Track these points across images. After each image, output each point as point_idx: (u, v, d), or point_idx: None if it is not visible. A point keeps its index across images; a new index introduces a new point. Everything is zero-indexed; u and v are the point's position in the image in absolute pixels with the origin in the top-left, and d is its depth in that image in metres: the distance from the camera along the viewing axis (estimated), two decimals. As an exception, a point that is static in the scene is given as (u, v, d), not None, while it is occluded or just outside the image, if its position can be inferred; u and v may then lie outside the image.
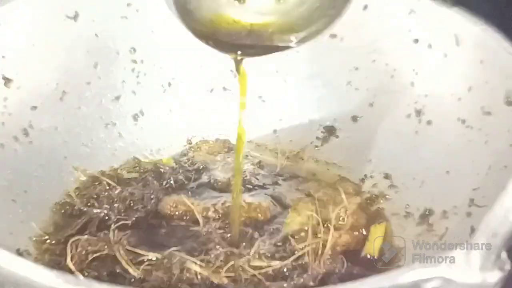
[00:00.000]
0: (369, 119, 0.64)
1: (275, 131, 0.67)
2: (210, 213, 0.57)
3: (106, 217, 0.56)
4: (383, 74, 0.62)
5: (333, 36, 0.63)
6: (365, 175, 0.63)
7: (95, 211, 0.57)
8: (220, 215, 0.57)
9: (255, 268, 0.51)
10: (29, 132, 0.58)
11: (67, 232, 0.55)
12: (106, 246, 0.51)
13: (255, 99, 0.66)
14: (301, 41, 0.52)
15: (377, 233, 0.56)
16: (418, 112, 0.61)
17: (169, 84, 0.67)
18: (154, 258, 0.50)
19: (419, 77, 0.61)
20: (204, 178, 0.62)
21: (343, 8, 0.51)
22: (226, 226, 0.56)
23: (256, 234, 0.55)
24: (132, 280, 0.49)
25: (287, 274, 0.51)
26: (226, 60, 0.65)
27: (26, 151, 0.58)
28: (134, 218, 0.56)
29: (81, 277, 0.48)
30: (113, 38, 0.64)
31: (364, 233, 0.56)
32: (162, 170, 0.62)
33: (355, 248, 0.55)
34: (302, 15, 0.52)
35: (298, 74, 0.66)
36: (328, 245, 0.53)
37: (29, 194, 0.56)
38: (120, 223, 0.55)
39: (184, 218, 0.57)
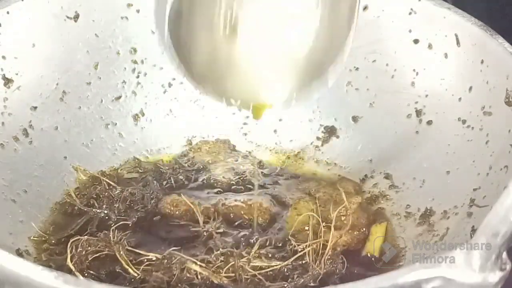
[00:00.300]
0: (369, 119, 0.64)
1: (275, 131, 0.67)
2: (211, 213, 0.57)
3: (106, 217, 0.56)
4: (384, 74, 0.62)
5: (333, 36, 0.63)
6: (366, 175, 0.63)
7: (95, 211, 0.57)
8: (220, 215, 0.57)
9: (255, 268, 0.51)
10: (29, 132, 0.58)
11: (67, 232, 0.55)
12: (106, 246, 0.51)
13: (255, 99, 0.66)
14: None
15: (377, 233, 0.56)
16: (419, 112, 0.61)
17: (170, 85, 0.67)
18: (154, 258, 0.50)
19: (419, 77, 0.61)
20: (204, 178, 0.62)
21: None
22: (226, 226, 0.56)
23: (256, 234, 0.55)
24: (132, 280, 0.49)
25: (287, 274, 0.51)
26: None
27: (26, 151, 0.58)
28: (134, 218, 0.56)
29: (81, 277, 0.48)
30: (113, 38, 0.64)
31: (365, 232, 0.56)
32: (162, 170, 0.62)
33: (356, 247, 0.55)
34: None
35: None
36: (329, 245, 0.53)
37: (29, 194, 0.56)
38: (120, 223, 0.55)
39: (184, 218, 0.57)
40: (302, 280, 0.50)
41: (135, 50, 0.65)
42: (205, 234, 0.55)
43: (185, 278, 0.49)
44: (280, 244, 0.54)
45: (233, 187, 0.61)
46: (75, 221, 0.56)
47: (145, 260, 0.51)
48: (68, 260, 0.50)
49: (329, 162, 0.65)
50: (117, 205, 0.57)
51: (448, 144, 0.57)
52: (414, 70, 0.61)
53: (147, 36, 0.65)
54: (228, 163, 0.64)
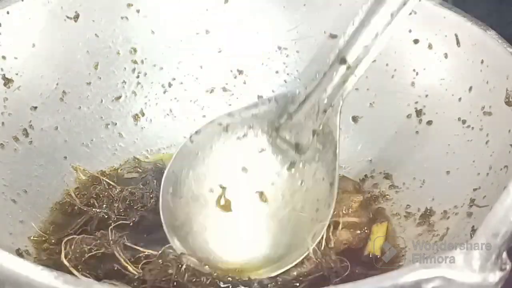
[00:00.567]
0: (369, 119, 0.64)
1: (275, 131, 0.67)
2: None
3: (106, 217, 0.56)
4: (384, 74, 0.62)
5: (334, 36, 0.63)
6: (366, 175, 0.63)
7: (95, 210, 0.57)
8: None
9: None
10: (29, 132, 0.58)
11: (67, 232, 0.55)
12: (102, 245, 0.51)
13: (255, 99, 0.66)
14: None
15: (378, 232, 0.56)
16: (419, 112, 0.60)
17: (170, 85, 0.67)
18: (151, 255, 0.50)
19: (419, 77, 0.61)
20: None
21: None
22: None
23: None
24: (130, 278, 0.49)
25: (287, 273, 0.51)
26: (226, 60, 0.65)
27: (26, 151, 0.58)
28: (134, 218, 0.56)
29: (76, 274, 0.48)
30: (113, 38, 0.64)
31: (366, 231, 0.56)
32: (162, 170, 0.62)
33: (357, 246, 0.55)
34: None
35: (299, 74, 0.66)
36: (330, 243, 0.53)
37: (29, 194, 0.56)
38: (119, 222, 0.55)
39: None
40: (302, 279, 0.50)
41: (135, 50, 0.65)
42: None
43: (183, 274, 0.49)
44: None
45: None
46: (75, 221, 0.56)
47: (143, 257, 0.51)
48: (62, 257, 0.50)
49: (329, 162, 0.65)
50: (117, 205, 0.57)
51: (448, 144, 0.57)
52: (414, 70, 0.61)
53: (147, 36, 0.65)
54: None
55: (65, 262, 0.49)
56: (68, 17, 0.61)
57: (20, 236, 0.53)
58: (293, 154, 0.57)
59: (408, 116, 0.61)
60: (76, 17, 0.61)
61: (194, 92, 0.67)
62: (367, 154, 0.63)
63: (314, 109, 0.55)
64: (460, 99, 0.57)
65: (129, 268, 0.49)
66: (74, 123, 0.62)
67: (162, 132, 0.66)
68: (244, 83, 0.67)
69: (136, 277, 0.49)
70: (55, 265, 0.51)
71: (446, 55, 0.59)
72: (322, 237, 0.53)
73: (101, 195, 0.58)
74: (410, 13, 0.60)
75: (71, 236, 0.52)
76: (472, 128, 0.55)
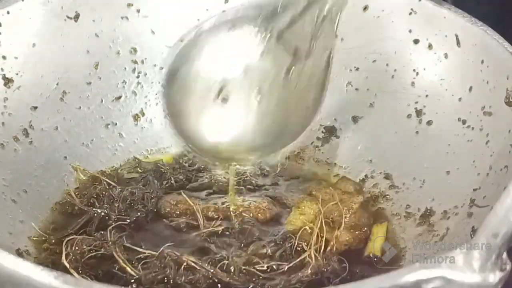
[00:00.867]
0: (369, 119, 0.64)
1: (275, 131, 0.67)
2: (210, 213, 0.57)
3: (106, 217, 0.56)
4: (384, 74, 0.62)
5: (333, 36, 0.63)
6: (366, 175, 0.63)
7: (95, 210, 0.57)
8: (220, 215, 0.57)
9: (254, 266, 0.51)
10: (29, 132, 0.58)
11: (67, 232, 0.55)
12: (102, 246, 0.51)
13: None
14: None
15: (379, 233, 0.56)
16: (419, 112, 0.61)
17: (170, 84, 0.67)
18: (150, 255, 0.50)
19: (419, 77, 0.61)
20: (204, 178, 0.62)
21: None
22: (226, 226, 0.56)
23: (256, 233, 0.55)
24: (129, 279, 0.49)
25: (288, 273, 0.51)
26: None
27: (26, 151, 0.58)
28: (134, 218, 0.56)
29: (76, 275, 0.48)
30: (113, 38, 0.64)
31: (367, 232, 0.56)
32: (162, 170, 0.62)
33: (357, 247, 0.55)
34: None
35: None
36: (330, 244, 0.53)
37: (29, 194, 0.56)
38: (119, 222, 0.55)
39: (184, 217, 0.57)
40: (302, 279, 0.50)
41: (135, 50, 0.65)
42: (205, 233, 0.55)
43: (183, 275, 0.49)
44: (281, 243, 0.54)
45: (233, 187, 0.62)
46: (75, 221, 0.56)
47: (142, 258, 0.51)
48: (63, 258, 0.50)
49: (329, 162, 0.65)
50: (117, 205, 0.57)
51: (448, 144, 0.57)
52: (414, 70, 0.61)
53: (147, 36, 0.65)
54: (228, 163, 0.64)
55: (66, 264, 0.49)
56: (68, 17, 0.61)
57: (20, 236, 0.53)
58: (291, 58, 0.59)
59: (408, 116, 0.61)
60: (76, 17, 0.61)
61: (194, 92, 0.67)
62: (367, 154, 0.63)
63: (313, 16, 0.58)
64: (460, 99, 0.57)
65: (128, 269, 0.49)
66: (74, 123, 0.62)
67: (162, 132, 0.66)
68: (244, 83, 0.67)
69: (135, 277, 0.49)
70: (55, 265, 0.51)
71: (446, 55, 0.59)
72: (322, 238, 0.53)
73: (101, 195, 0.58)
74: (410, 13, 0.60)
75: (72, 237, 0.52)
76: (472, 128, 0.55)
